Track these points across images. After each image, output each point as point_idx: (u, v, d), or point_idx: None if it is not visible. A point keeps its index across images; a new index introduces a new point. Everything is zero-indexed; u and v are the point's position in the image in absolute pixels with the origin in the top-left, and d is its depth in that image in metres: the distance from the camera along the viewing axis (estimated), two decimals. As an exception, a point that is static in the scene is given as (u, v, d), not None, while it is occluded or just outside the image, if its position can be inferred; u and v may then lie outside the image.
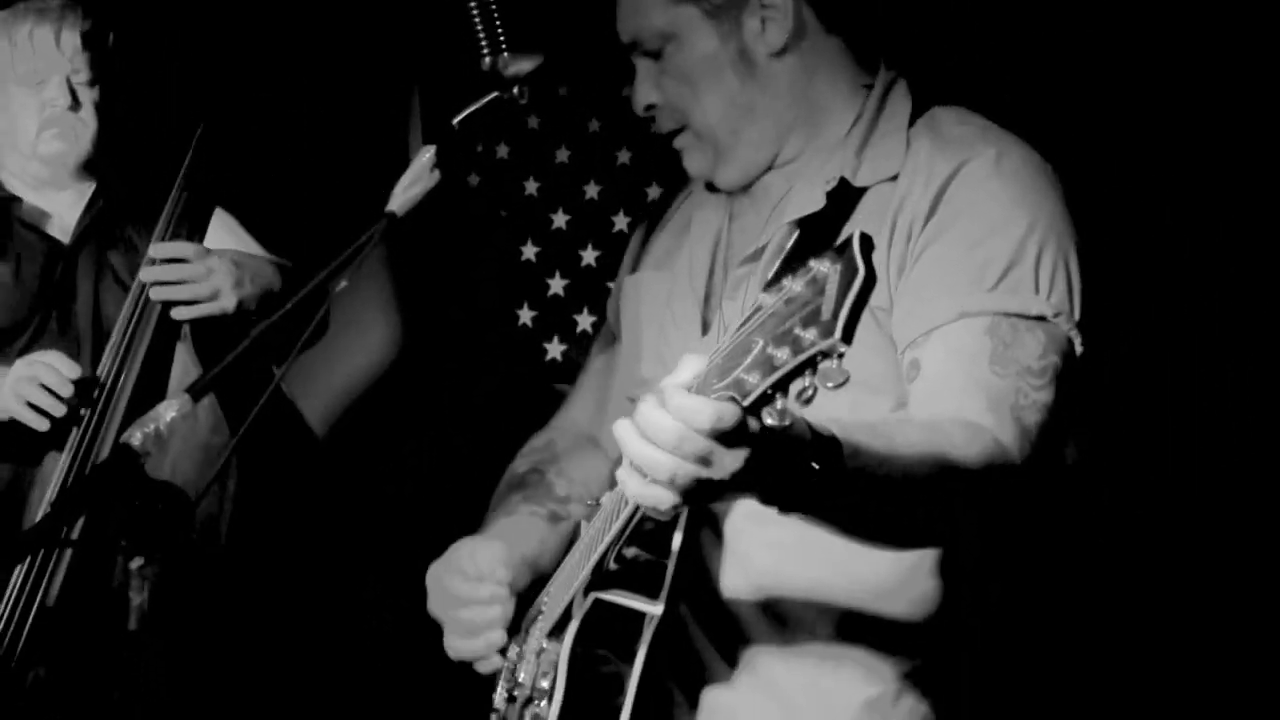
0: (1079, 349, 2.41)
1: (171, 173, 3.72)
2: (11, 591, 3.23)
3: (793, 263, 1.82)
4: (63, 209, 3.73)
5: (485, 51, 2.49)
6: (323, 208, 3.63)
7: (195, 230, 3.47)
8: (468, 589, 2.61)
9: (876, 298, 2.29)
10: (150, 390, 3.28)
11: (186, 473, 3.30)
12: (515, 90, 2.49)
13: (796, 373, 1.75)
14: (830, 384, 1.73)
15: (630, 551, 2.37)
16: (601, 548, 2.35)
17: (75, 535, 3.03)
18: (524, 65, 2.49)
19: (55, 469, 3.34)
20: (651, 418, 1.89)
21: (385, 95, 4.65)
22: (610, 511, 2.34)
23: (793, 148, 2.58)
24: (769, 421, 1.79)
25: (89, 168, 3.72)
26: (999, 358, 2.34)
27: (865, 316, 2.29)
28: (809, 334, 1.73)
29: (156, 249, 3.44)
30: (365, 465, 4.31)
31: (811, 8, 2.55)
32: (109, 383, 3.36)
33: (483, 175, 4.62)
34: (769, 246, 2.50)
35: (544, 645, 2.52)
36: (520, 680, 2.57)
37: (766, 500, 2.02)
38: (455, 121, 2.46)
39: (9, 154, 3.71)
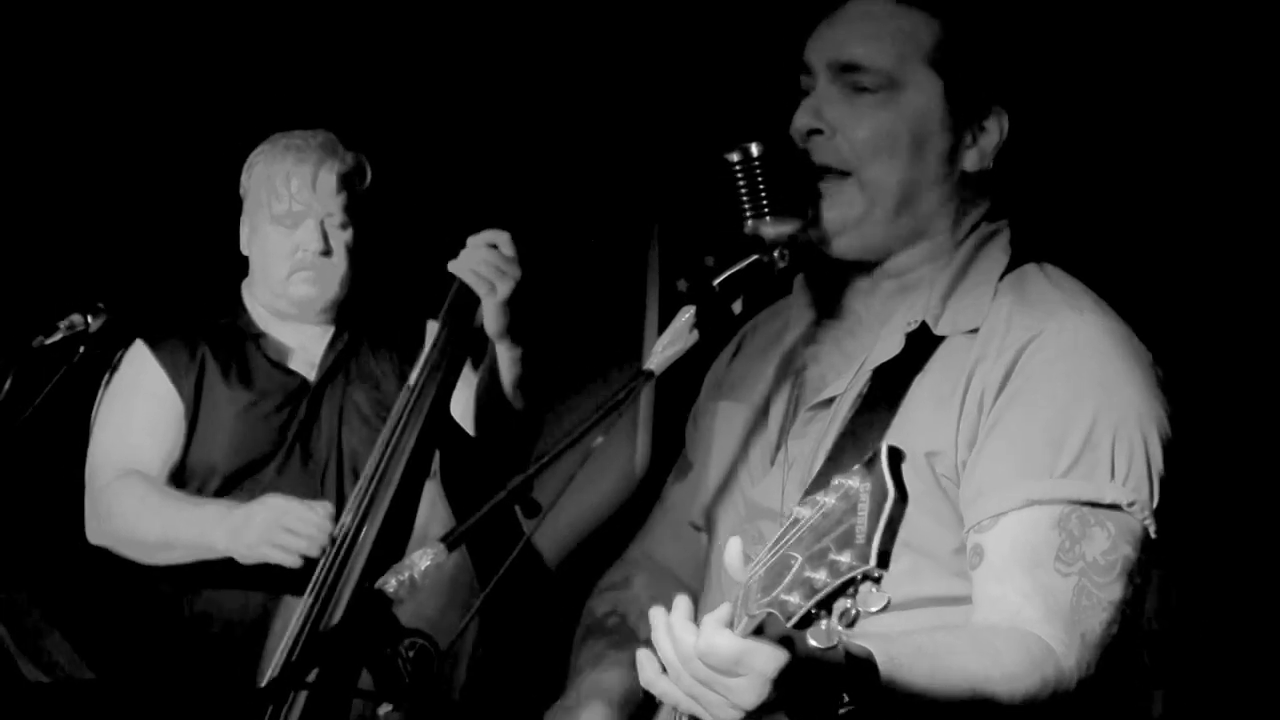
0: (1154, 535, 2.30)
1: (416, 304, 3.81)
2: None
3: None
4: (308, 342, 3.81)
5: (748, 213, 2.48)
6: (560, 343, 3.65)
7: (453, 369, 3.50)
8: None
9: (943, 467, 2.29)
10: (398, 527, 3.28)
11: (430, 612, 3.29)
12: (776, 253, 2.49)
13: (836, 594, 1.75)
14: (872, 608, 1.74)
15: None
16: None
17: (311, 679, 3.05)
18: (785, 229, 2.48)
19: (299, 601, 3.35)
20: (680, 646, 1.96)
21: (626, 237, 4.70)
22: None
23: (905, 259, 2.50)
24: (813, 643, 1.79)
25: (337, 307, 3.79)
26: (1065, 554, 2.25)
27: (931, 483, 2.31)
28: (844, 557, 1.73)
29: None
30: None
31: (1005, 158, 2.49)
32: (359, 517, 3.39)
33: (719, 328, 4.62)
34: (844, 394, 2.45)
35: None
36: None
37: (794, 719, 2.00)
38: (716, 283, 2.46)
39: (260, 286, 3.79)
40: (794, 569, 1.79)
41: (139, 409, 3.72)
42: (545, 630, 3.65)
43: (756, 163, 2.47)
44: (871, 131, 2.45)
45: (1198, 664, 3.43)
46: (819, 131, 2.48)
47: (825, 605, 1.76)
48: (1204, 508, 2.68)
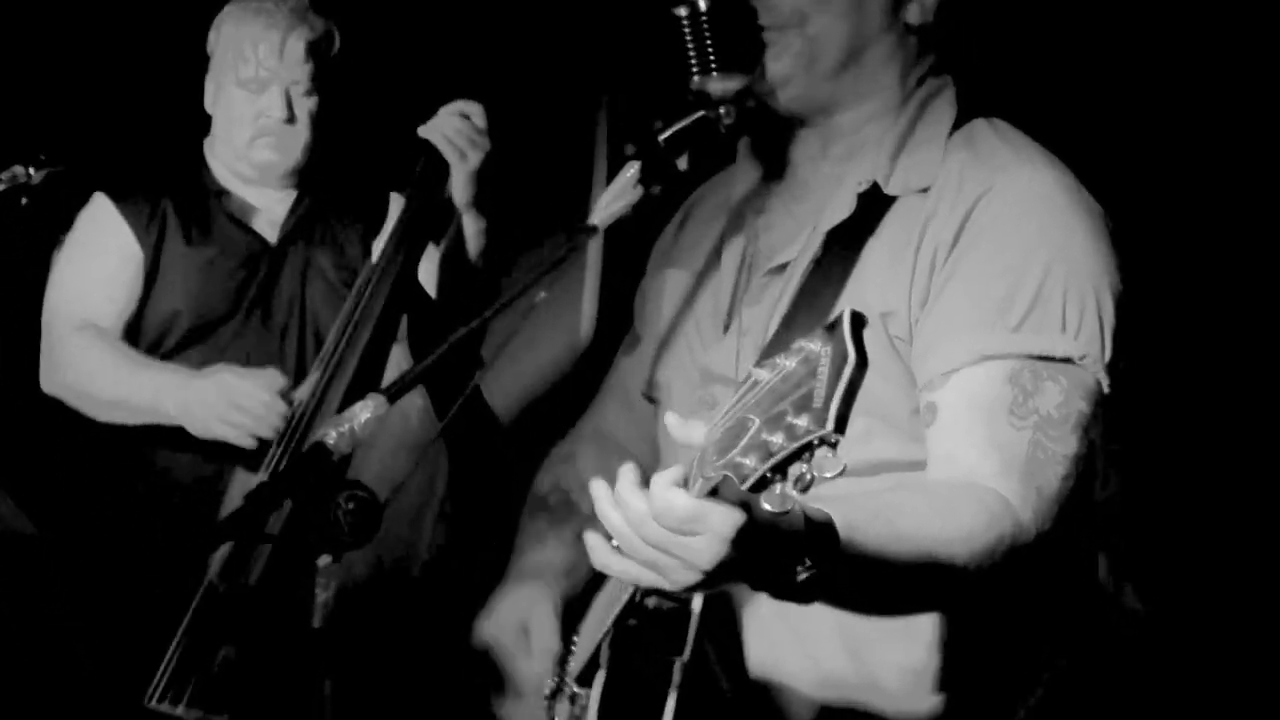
0: (1107, 389, 2.30)
1: (380, 173, 3.80)
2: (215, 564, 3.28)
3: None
4: (271, 204, 3.79)
5: (694, 70, 2.46)
6: (512, 213, 3.65)
7: (422, 235, 3.51)
8: (525, 665, 2.60)
9: (896, 328, 2.28)
10: (364, 390, 3.27)
11: (396, 472, 3.33)
12: (721, 110, 2.47)
13: (793, 458, 1.72)
14: (828, 474, 1.71)
15: (652, 601, 2.35)
16: (621, 604, 2.34)
17: (279, 528, 3.08)
18: (732, 85, 2.46)
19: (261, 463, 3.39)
20: (630, 512, 1.92)
21: (574, 102, 4.67)
22: None
23: (851, 118, 2.48)
24: (767, 507, 1.76)
25: (299, 173, 3.77)
26: (1018, 408, 2.24)
27: (885, 345, 2.29)
28: (802, 421, 1.70)
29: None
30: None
31: (948, 13, 2.48)
32: (325, 378, 3.40)
33: (665, 185, 4.61)
34: (797, 259, 2.44)
35: (575, 690, 2.51)
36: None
37: (756, 588, 2.00)
38: (662, 139, 2.44)
39: (223, 147, 3.77)
40: (750, 431, 1.77)
41: (98, 260, 3.71)
42: (510, 487, 3.69)
43: (704, 17, 2.45)
44: None
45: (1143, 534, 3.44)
46: None
47: (781, 469, 1.74)
48: (1153, 365, 2.65)
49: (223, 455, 3.49)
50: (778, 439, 1.73)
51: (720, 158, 2.67)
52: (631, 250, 2.89)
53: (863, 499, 2.12)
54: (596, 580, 2.55)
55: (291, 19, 3.68)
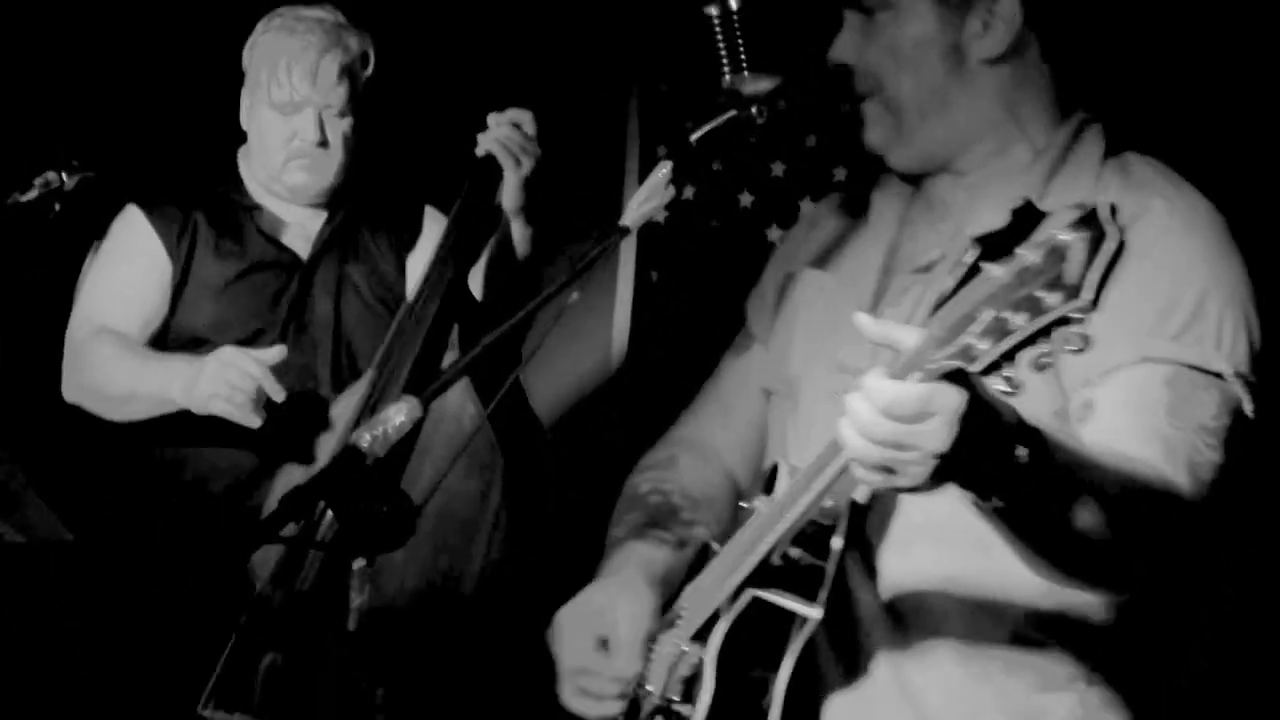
0: (1250, 413, 2.33)
1: (413, 187, 3.81)
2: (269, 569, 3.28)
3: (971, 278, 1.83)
4: (304, 219, 3.78)
5: (725, 69, 2.47)
6: (551, 211, 3.66)
7: (475, 241, 3.55)
8: (601, 664, 2.54)
9: None
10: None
11: (449, 475, 3.34)
12: (753, 110, 2.47)
13: (1032, 340, 1.73)
14: (1072, 348, 1.71)
15: (795, 552, 2.35)
16: (764, 547, 2.33)
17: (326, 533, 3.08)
18: (763, 85, 2.47)
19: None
20: (861, 409, 1.93)
21: (605, 100, 4.67)
22: (774, 512, 2.32)
23: (974, 158, 2.52)
24: (1000, 385, 1.78)
25: (333, 191, 3.76)
26: (1176, 411, 2.27)
27: None
28: (1052, 298, 1.71)
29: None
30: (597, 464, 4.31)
31: (1034, 31, 2.49)
32: (379, 386, 3.40)
33: (698, 187, 4.62)
34: (943, 260, 2.45)
35: (684, 649, 2.48)
36: (649, 689, 2.52)
37: (967, 484, 2.01)
38: (693, 138, 2.44)
39: (258, 164, 3.76)
40: (981, 318, 1.78)
41: (125, 269, 3.70)
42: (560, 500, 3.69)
43: (735, 16, 2.46)
44: (876, 53, 2.49)
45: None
46: (845, 65, 2.53)
47: (1014, 353, 1.75)
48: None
49: (253, 456, 3.50)
50: (1019, 319, 1.74)
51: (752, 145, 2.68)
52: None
53: (1056, 428, 2.14)
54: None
55: (326, 40, 3.66)
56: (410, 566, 3.39)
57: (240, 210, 3.76)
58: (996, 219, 2.38)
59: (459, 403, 3.35)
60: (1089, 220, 1.73)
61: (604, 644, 2.54)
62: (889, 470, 1.98)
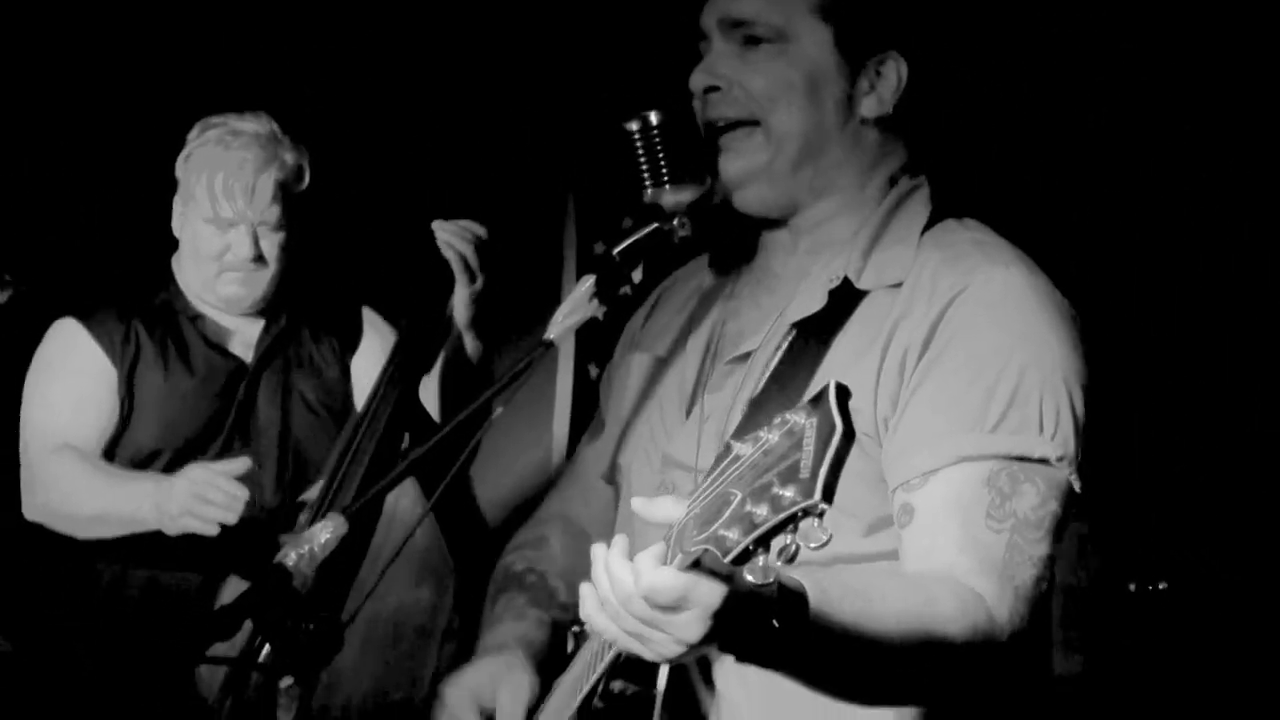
0: (1078, 489, 2.31)
1: (350, 289, 3.80)
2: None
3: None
4: (242, 326, 3.78)
5: (647, 182, 2.48)
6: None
7: (420, 361, 3.50)
8: None
9: (861, 423, 2.22)
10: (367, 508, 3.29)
11: (401, 585, 3.35)
12: (675, 222, 2.48)
13: (777, 530, 1.72)
14: (813, 544, 1.71)
15: (617, 685, 2.35)
16: (588, 686, 2.33)
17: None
18: (685, 196, 2.47)
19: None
20: (618, 587, 1.94)
21: (540, 204, 4.68)
22: (596, 650, 2.32)
23: (814, 215, 2.49)
24: (750, 579, 1.77)
25: (267, 301, 3.75)
26: (995, 510, 2.25)
27: None
28: (788, 492, 1.71)
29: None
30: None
31: (908, 106, 2.49)
32: (328, 497, 3.39)
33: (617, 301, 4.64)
34: (760, 349, 2.44)
35: None
36: None
37: (724, 649, 2.00)
38: (615, 252, 2.45)
39: (191, 275, 3.75)
40: (733, 505, 1.77)
41: (71, 381, 3.69)
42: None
43: (655, 131, 2.47)
44: (766, 80, 2.46)
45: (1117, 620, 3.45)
46: (715, 88, 2.48)
47: (764, 541, 1.74)
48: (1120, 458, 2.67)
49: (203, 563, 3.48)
50: (762, 511, 1.73)
51: (679, 256, 2.69)
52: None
53: (836, 573, 2.13)
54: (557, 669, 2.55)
55: (261, 156, 3.66)
56: (364, 674, 3.38)
57: (182, 318, 3.75)
58: (815, 300, 2.40)
59: (410, 510, 3.35)
60: (819, 401, 1.72)
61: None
62: (639, 640, 1.98)
